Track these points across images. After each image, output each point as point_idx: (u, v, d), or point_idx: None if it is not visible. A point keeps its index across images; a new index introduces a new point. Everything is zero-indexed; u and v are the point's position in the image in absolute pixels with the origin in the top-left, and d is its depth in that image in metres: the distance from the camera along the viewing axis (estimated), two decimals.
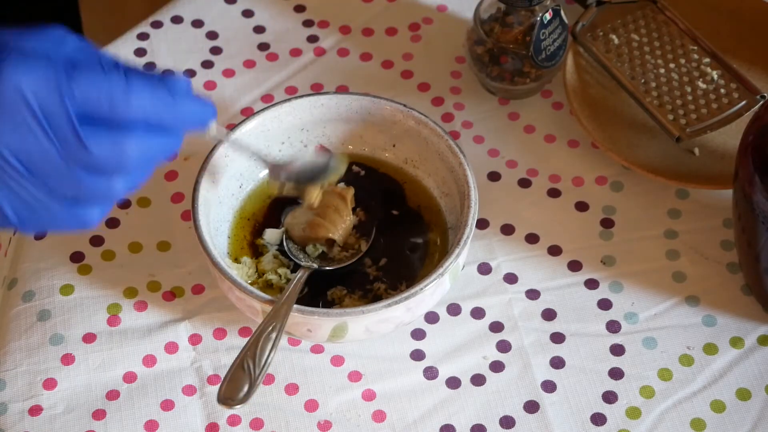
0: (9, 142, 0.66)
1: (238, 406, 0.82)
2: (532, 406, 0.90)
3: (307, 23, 1.12)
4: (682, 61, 1.05)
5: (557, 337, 0.94)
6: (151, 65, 1.09)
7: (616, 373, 0.92)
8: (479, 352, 0.93)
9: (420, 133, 0.96)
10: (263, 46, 1.11)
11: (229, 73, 1.09)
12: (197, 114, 0.72)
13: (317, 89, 1.08)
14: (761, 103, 1.00)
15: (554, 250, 0.98)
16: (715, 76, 1.04)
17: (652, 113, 1.02)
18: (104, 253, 0.98)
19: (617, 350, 0.93)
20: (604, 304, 0.96)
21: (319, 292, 0.92)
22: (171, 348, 0.93)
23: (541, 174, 1.03)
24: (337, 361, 0.93)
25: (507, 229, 1.00)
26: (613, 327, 0.94)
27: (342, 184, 0.96)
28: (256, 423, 0.90)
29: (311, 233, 0.93)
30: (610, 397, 0.91)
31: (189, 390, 0.91)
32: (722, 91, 1.03)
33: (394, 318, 0.88)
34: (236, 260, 0.93)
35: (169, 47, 1.10)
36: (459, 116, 1.06)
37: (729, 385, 0.91)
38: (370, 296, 0.92)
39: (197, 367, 0.92)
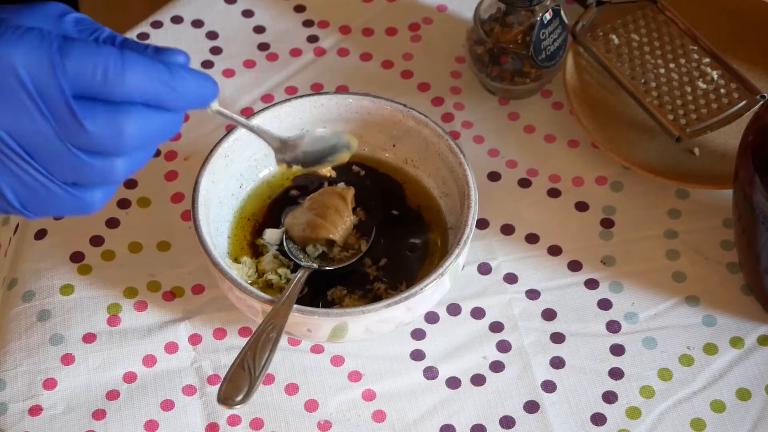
0: (5, 122, 0.65)
1: (238, 406, 0.81)
2: (532, 406, 0.90)
3: (307, 23, 1.12)
4: (682, 61, 1.05)
5: (557, 337, 0.94)
6: None
7: (616, 373, 0.92)
8: (479, 352, 0.93)
9: (420, 133, 0.96)
10: (263, 46, 1.11)
11: (229, 73, 1.09)
12: (197, 90, 0.69)
13: (317, 89, 1.08)
14: (761, 103, 1.00)
15: (554, 250, 0.98)
16: (715, 76, 1.04)
17: (652, 113, 1.02)
18: (104, 253, 0.98)
19: (617, 350, 0.93)
20: (604, 304, 0.96)
21: (319, 292, 0.92)
22: (171, 348, 0.93)
23: (541, 174, 1.03)
24: (337, 361, 0.93)
25: (507, 229, 1.00)
26: (613, 327, 0.94)
27: (342, 184, 0.96)
28: (256, 423, 0.90)
29: (311, 233, 0.93)
30: (610, 397, 0.91)
31: (189, 390, 0.91)
32: (722, 91, 1.03)
33: (394, 318, 0.88)
34: (236, 260, 0.93)
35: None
36: (459, 116, 1.06)
37: (729, 385, 0.91)
38: (370, 296, 0.92)
39: (197, 367, 0.92)
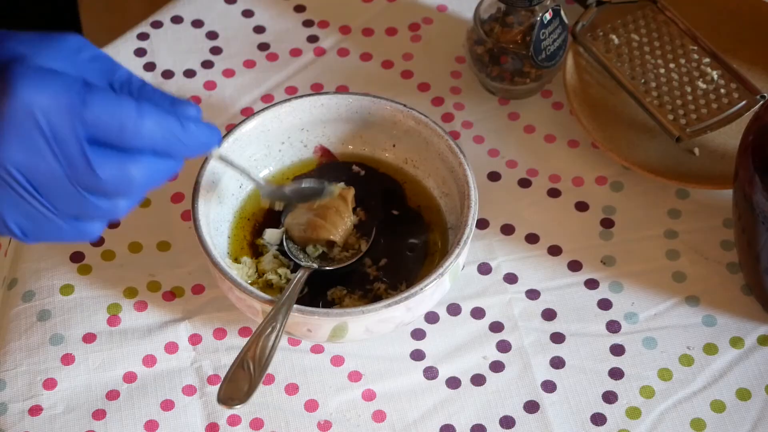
0: (17, 160, 0.67)
1: (238, 406, 0.82)
2: (532, 406, 0.90)
3: (307, 23, 1.12)
4: (682, 61, 1.05)
5: (557, 337, 0.94)
6: (151, 65, 1.09)
7: (616, 373, 0.92)
8: (479, 352, 0.93)
9: (420, 133, 0.96)
10: (263, 46, 1.11)
11: (229, 73, 1.09)
12: (203, 142, 0.73)
13: (317, 89, 1.08)
14: (761, 103, 1.00)
15: (554, 250, 0.98)
16: (715, 76, 1.04)
17: (652, 113, 1.02)
18: (104, 253, 0.98)
19: (617, 350, 0.93)
20: (604, 304, 0.96)
21: (319, 292, 0.92)
22: (171, 348, 0.93)
23: (541, 174, 1.03)
24: (337, 361, 0.93)
25: (507, 229, 1.00)
26: (613, 327, 0.94)
27: (342, 184, 0.96)
28: (256, 423, 0.90)
29: (312, 234, 0.93)
30: (610, 397, 0.91)
31: (189, 390, 0.91)
32: (722, 91, 1.03)
33: (394, 318, 0.88)
34: (236, 260, 0.93)
35: (169, 47, 1.10)
36: (459, 116, 1.06)
37: (729, 385, 0.91)
38: (370, 296, 0.92)
39: (197, 367, 0.92)
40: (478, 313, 0.95)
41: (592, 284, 0.97)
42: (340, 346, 0.93)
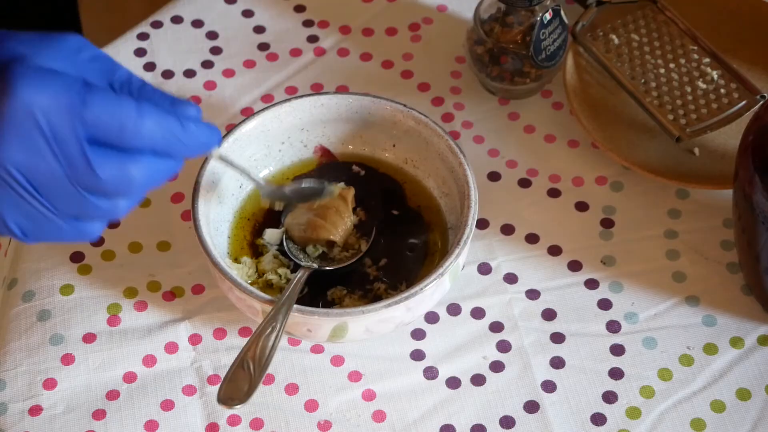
0: (17, 160, 0.67)
1: (238, 406, 0.82)
2: (532, 406, 0.90)
3: (307, 23, 1.12)
4: (682, 61, 1.05)
5: (557, 337, 0.94)
6: (151, 65, 1.09)
7: (616, 373, 0.92)
8: (479, 352, 0.93)
9: (420, 133, 0.96)
10: (263, 46, 1.11)
11: (229, 73, 1.09)
12: (203, 142, 0.73)
13: (317, 89, 1.08)
14: (761, 103, 1.00)
15: (554, 250, 0.98)
16: (715, 76, 1.04)
17: (652, 113, 1.02)
18: (104, 253, 0.98)
19: (617, 350, 0.93)
20: (604, 304, 0.96)
21: (319, 292, 0.92)
22: (171, 348, 0.93)
23: (541, 174, 1.03)
24: (337, 361, 0.93)
25: (507, 229, 1.00)
26: (613, 327, 0.94)
27: (342, 184, 0.96)
28: (256, 423, 0.90)
29: (312, 234, 0.93)
30: (610, 397, 0.91)
31: (189, 390, 0.91)
32: (722, 91, 1.03)
33: (394, 318, 0.88)
34: (236, 260, 0.93)
35: (169, 47, 1.10)
36: (459, 116, 1.06)
37: (729, 385, 0.91)
38: (370, 296, 0.92)
39: (197, 367, 0.92)
40: (478, 313, 0.95)
41: (592, 284, 0.97)
42: (340, 346, 0.93)
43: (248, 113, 1.05)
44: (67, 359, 0.92)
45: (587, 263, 0.98)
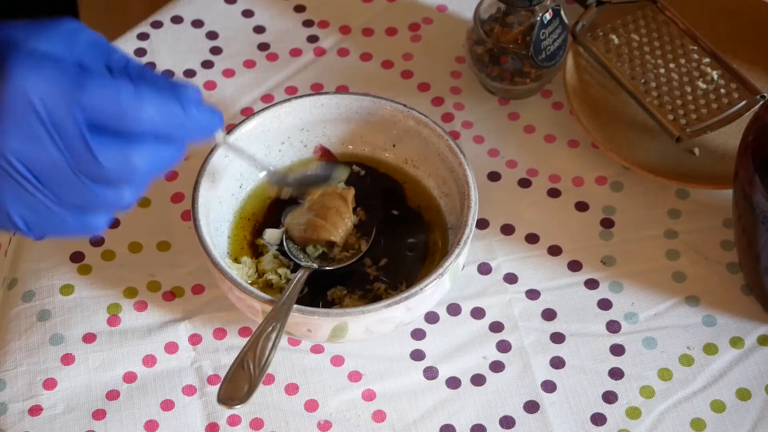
0: (17, 149, 0.66)
1: (238, 406, 0.81)
2: (532, 406, 0.90)
3: (307, 23, 1.12)
4: (682, 61, 1.05)
5: (557, 337, 0.94)
6: (151, 65, 1.09)
7: (616, 373, 0.92)
8: (479, 352, 0.93)
9: (420, 133, 0.96)
10: (263, 46, 1.11)
11: (229, 73, 1.09)
12: (206, 125, 0.71)
13: (317, 89, 1.08)
14: (761, 103, 1.00)
15: (554, 250, 0.98)
16: (715, 76, 1.04)
17: (652, 113, 1.02)
18: (104, 253, 0.98)
19: (617, 350, 0.93)
20: (604, 304, 0.96)
21: (319, 292, 0.92)
22: (171, 348, 0.93)
23: (541, 174, 1.03)
24: (337, 361, 0.93)
25: (507, 229, 1.00)
26: (613, 327, 0.94)
27: (342, 185, 0.96)
28: (256, 423, 0.90)
29: (312, 234, 0.93)
30: (610, 397, 0.91)
31: (189, 390, 0.91)
32: (722, 91, 1.03)
33: (394, 318, 0.88)
34: (236, 260, 0.93)
35: (169, 47, 1.10)
36: (459, 116, 1.06)
37: (729, 385, 0.91)
38: (370, 296, 0.92)
39: (197, 367, 0.92)
40: (478, 313, 0.95)
41: (592, 284, 0.97)
42: (340, 346, 0.93)
43: (248, 113, 1.04)
44: (67, 359, 0.92)
45: (587, 263, 0.98)
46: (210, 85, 1.08)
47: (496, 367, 0.92)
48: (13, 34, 0.67)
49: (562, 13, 1.03)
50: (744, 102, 1.02)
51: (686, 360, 0.93)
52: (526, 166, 1.03)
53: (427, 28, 1.12)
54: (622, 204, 1.01)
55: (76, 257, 0.97)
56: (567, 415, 0.90)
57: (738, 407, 0.90)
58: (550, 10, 1.01)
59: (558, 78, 1.06)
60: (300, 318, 0.86)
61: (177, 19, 1.12)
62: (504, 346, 0.93)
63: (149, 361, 0.92)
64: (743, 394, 0.91)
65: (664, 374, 0.92)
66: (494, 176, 1.03)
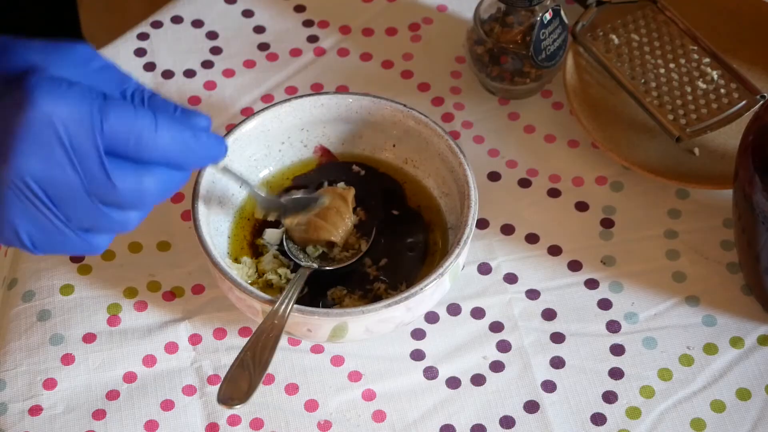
0: (34, 171, 0.67)
1: (238, 406, 0.81)
2: (532, 406, 0.90)
3: (307, 23, 1.12)
4: (682, 61, 1.05)
5: (557, 337, 0.94)
6: (151, 65, 1.09)
7: (616, 373, 0.92)
8: (479, 352, 0.93)
9: (420, 133, 0.96)
10: (263, 46, 1.11)
11: (229, 73, 1.09)
12: (214, 153, 0.74)
13: (317, 89, 1.08)
14: (761, 103, 1.00)
15: (554, 250, 0.98)
16: (715, 76, 1.04)
17: (652, 113, 1.02)
18: (104, 253, 0.98)
19: (617, 350, 0.93)
20: (604, 304, 0.96)
21: (319, 292, 0.92)
22: (171, 348, 0.93)
23: (541, 174, 1.03)
24: (337, 361, 0.93)
25: (507, 229, 1.00)
26: (613, 327, 0.94)
27: (342, 184, 0.96)
28: (256, 423, 0.90)
29: (312, 235, 0.92)
30: (610, 397, 0.91)
31: (189, 390, 0.91)
32: (722, 91, 1.03)
33: (394, 318, 0.88)
34: (236, 260, 0.93)
35: (169, 47, 1.10)
36: (459, 116, 1.06)
37: (729, 385, 0.91)
38: (370, 296, 0.92)
39: (197, 367, 0.92)
40: (478, 313, 0.95)
41: (592, 284, 0.97)
42: (340, 346, 0.93)
43: (248, 113, 1.05)
44: (67, 359, 0.92)
45: (587, 263, 0.98)
46: (210, 85, 1.08)
47: (496, 367, 0.92)
48: (31, 57, 0.69)
49: (562, 13, 1.03)
50: (744, 102, 1.02)
51: (686, 360, 0.93)
52: (526, 166, 1.03)
53: (427, 28, 1.12)
54: (622, 204, 1.01)
55: (76, 257, 0.97)
56: (567, 415, 0.90)
57: (738, 407, 0.90)
58: (550, 10, 1.01)
59: (558, 78, 1.06)
60: (300, 318, 0.86)
61: (177, 19, 1.12)
62: (504, 346, 0.93)
63: (149, 361, 0.92)
64: (743, 394, 0.91)
65: (664, 374, 0.92)
66: (494, 176, 1.03)
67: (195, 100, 1.07)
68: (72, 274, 0.97)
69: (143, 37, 1.11)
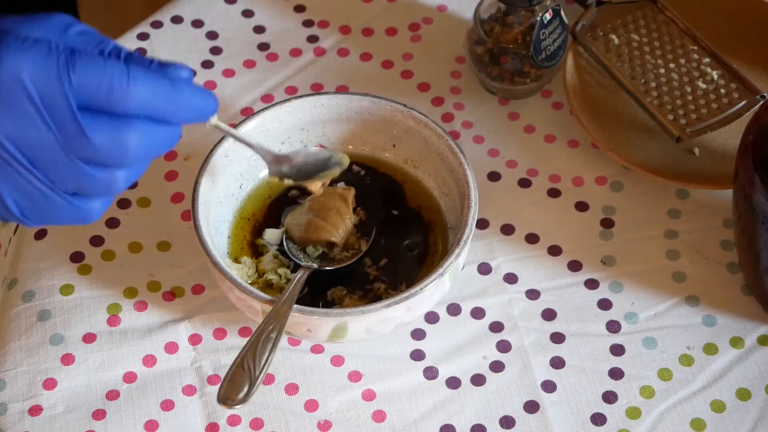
0: (9, 131, 0.66)
1: (238, 406, 0.81)
2: (532, 406, 0.90)
3: (307, 23, 1.12)
4: (682, 61, 1.05)
5: (557, 337, 0.94)
6: None
7: (616, 373, 0.92)
8: (479, 352, 0.93)
9: (420, 133, 0.96)
10: (263, 46, 1.11)
11: (229, 73, 1.09)
12: (198, 106, 0.71)
13: (317, 89, 1.08)
14: (761, 103, 1.00)
15: (554, 250, 0.98)
16: (715, 76, 1.04)
17: (652, 113, 1.02)
18: (104, 253, 0.98)
19: (617, 350, 0.93)
20: (604, 304, 0.96)
21: (319, 292, 0.92)
22: (171, 348, 0.93)
23: (541, 174, 1.03)
24: (337, 361, 0.93)
25: (507, 229, 1.00)
26: (613, 327, 0.94)
27: (342, 184, 0.96)
28: (256, 423, 0.90)
29: (312, 235, 0.92)
30: (610, 397, 0.91)
31: (189, 390, 0.91)
32: (722, 91, 1.03)
33: (394, 318, 0.88)
34: (236, 260, 0.93)
35: (169, 47, 1.10)
36: (459, 116, 1.06)
37: (729, 385, 0.91)
38: (370, 296, 0.92)
39: (197, 367, 0.92)
40: (478, 313, 0.95)
41: (592, 284, 0.97)
42: (340, 346, 0.93)
43: (248, 113, 1.05)
44: (67, 359, 0.92)
45: (587, 263, 0.98)
46: (210, 85, 1.08)
47: (496, 367, 0.92)
48: (5, 24, 0.68)
49: (562, 13, 1.03)
50: (744, 102, 1.02)
51: (686, 360, 0.93)
52: (526, 166, 1.03)
53: (427, 28, 1.12)
54: (622, 204, 1.01)
55: (76, 257, 0.97)
56: (567, 415, 0.90)
57: (738, 407, 0.90)
58: (550, 10, 1.01)
59: (558, 78, 1.06)
60: (300, 318, 0.86)
61: (177, 19, 1.12)
62: (504, 346, 0.93)
63: (149, 361, 0.92)
64: (743, 394, 0.91)
65: (664, 374, 0.92)
66: (494, 176, 1.03)
67: None
68: (72, 274, 0.97)
69: (143, 37, 1.11)
